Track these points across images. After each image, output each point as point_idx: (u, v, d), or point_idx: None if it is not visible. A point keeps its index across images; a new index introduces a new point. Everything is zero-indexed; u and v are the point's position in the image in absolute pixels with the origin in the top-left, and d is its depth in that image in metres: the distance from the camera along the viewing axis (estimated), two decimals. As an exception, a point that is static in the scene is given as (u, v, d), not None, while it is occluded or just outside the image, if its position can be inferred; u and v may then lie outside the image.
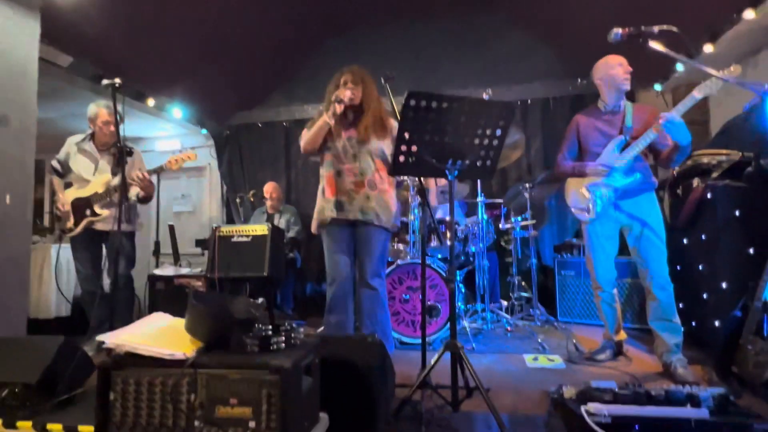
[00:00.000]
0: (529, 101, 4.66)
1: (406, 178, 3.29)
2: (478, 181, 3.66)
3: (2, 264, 2.57)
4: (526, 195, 3.78)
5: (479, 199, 3.62)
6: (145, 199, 3.13)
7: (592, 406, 1.50)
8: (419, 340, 2.24)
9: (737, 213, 2.54)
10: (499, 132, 1.89)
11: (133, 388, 1.26)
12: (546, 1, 4.21)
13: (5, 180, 2.63)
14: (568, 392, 1.66)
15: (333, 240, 2.51)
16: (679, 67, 3.75)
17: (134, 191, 3.04)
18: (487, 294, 3.60)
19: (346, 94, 2.38)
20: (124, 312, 3.06)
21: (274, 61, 4.92)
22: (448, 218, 3.29)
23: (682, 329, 2.41)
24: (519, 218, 3.80)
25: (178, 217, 5.69)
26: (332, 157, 2.48)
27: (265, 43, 4.49)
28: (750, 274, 2.03)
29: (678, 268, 2.93)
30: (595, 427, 1.44)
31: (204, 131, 5.32)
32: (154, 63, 3.88)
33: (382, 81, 2.34)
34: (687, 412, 1.48)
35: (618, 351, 2.66)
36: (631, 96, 2.93)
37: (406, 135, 1.86)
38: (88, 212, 3.02)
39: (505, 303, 3.87)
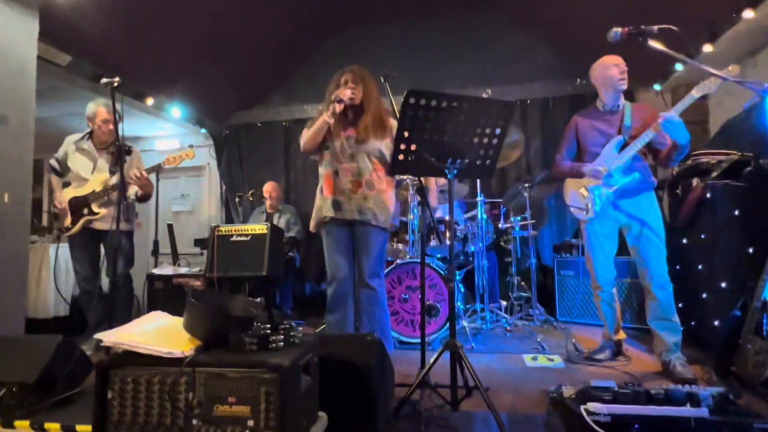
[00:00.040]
0: (528, 101, 4.66)
1: (405, 177, 3.29)
2: (478, 180, 3.66)
3: (0, 263, 2.57)
4: (526, 195, 3.78)
5: (479, 198, 3.62)
6: (143, 198, 3.13)
7: (592, 406, 1.50)
8: (418, 340, 2.23)
9: (736, 213, 2.54)
10: (498, 131, 1.89)
11: (131, 387, 1.25)
12: (546, 1, 4.21)
13: (3, 179, 2.62)
14: (568, 391, 1.66)
15: (332, 239, 2.51)
16: (679, 67, 3.76)
17: (132, 190, 3.04)
18: (487, 294, 3.60)
19: (345, 93, 2.38)
20: (122, 311, 3.05)
21: (274, 60, 4.92)
22: (447, 218, 3.29)
23: (681, 329, 2.41)
24: (518, 218, 3.80)
25: (177, 217, 5.68)
26: (330, 156, 2.48)
27: (264, 43, 4.48)
28: (749, 274, 2.04)
29: (677, 267, 2.93)
30: (595, 427, 1.44)
31: (203, 131, 5.32)
32: (153, 62, 3.88)
33: (382, 80, 2.34)
34: (687, 411, 1.47)
35: (617, 351, 2.66)
36: (630, 96, 2.93)
37: (406, 134, 1.85)
38: (85, 211, 3.02)
39: (504, 303, 3.87)
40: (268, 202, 4.61)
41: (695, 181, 2.79)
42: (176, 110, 4.58)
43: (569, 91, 4.55)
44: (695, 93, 2.17)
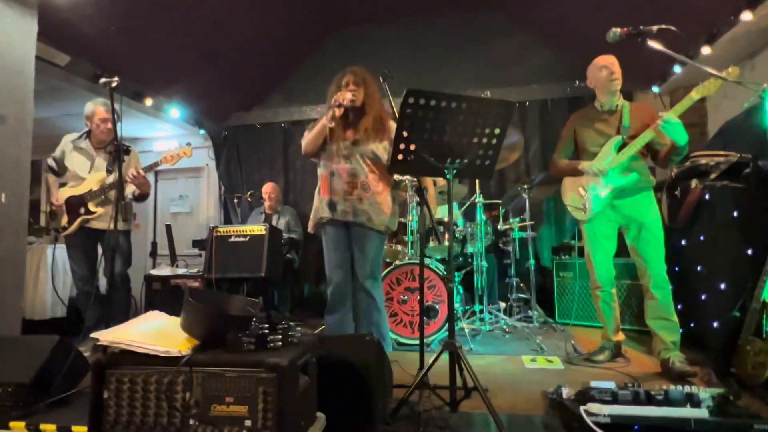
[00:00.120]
0: (527, 103, 4.66)
1: (404, 178, 3.28)
2: (477, 181, 3.66)
3: (-2, 263, 2.56)
4: (525, 196, 3.78)
5: (478, 199, 3.62)
6: (140, 198, 3.11)
7: (591, 406, 1.49)
8: (417, 341, 2.22)
9: (735, 214, 2.54)
10: (498, 131, 1.88)
11: (128, 387, 1.25)
12: (545, 2, 4.22)
13: (1, 180, 2.61)
14: (567, 393, 1.65)
15: (330, 240, 2.51)
16: (677, 69, 3.76)
17: (129, 189, 3.03)
18: (486, 295, 3.59)
19: (346, 97, 2.37)
20: (120, 312, 3.03)
21: (273, 61, 4.92)
22: (446, 219, 3.28)
23: (680, 329, 2.40)
24: (517, 219, 3.80)
25: (176, 218, 5.67)
26: (327, 157, 2.48)
27: (263, 44, 4.48)
28: (748, 275, 2.03)
29: (676, 269, 2.92)
30: (594, 428, 1.44)
31: (202, 132, 5.31)
32: (152, 63, 3.88)
33: (381, 80, 2.34)
34: (686, 412, 1.47)
35: (617, 352, 2.65)
36: (628, 98, 2.92)
37: (405, 133, 1.85)
38: (82, 210, 3.00)
39: (503, 304, 3.86)
40: (267, 203, 4.61)
41: (694, 183, 2.79)
42: (175, 111, 4.57)
43: (568, 93, 4.56)
44: (694, 95, 2.18)
